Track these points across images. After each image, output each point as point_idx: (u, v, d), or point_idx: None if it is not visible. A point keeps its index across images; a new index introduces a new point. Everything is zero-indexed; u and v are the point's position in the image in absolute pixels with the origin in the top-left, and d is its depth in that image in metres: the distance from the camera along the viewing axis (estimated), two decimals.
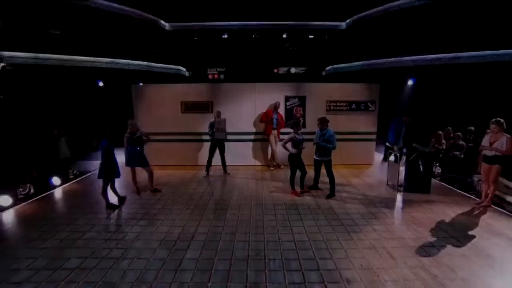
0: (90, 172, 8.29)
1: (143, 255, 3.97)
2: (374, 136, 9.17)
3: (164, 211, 5.49)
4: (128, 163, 6.34)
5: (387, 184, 7.09)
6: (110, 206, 5.66)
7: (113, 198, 5.86)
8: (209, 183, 7.34)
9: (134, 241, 4.33)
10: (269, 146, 8.90)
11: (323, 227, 4.78)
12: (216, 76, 15.37)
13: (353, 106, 8.98)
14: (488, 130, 6.22)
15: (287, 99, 9.05)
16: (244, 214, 5.34)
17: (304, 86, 9.11)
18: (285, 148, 6.20)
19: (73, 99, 10.72)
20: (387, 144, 6.78)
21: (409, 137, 6.79)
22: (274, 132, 8.62)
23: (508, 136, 5.29)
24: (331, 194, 6.26)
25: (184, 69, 15.63)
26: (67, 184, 7.24)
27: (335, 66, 14.93)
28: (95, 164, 8.44)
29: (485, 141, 5.64)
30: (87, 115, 10.63)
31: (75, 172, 8.02)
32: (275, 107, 8.62)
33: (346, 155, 9.15)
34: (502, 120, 5.41)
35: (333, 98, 8.99)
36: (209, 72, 15.47)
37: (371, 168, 8.84)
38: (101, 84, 10.99)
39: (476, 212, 5.44)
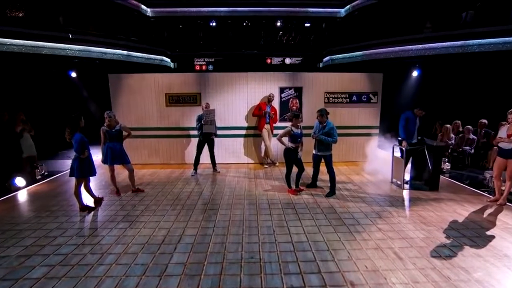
0: (61, 172, 8.06)
1: (122, 261, 3.83)
2: (376, 131, 9.18)
3: (147, 213, 5.36)
4: (106, 160, 6.17)
5: (391, 182, 7.10)
6: (84, 208, 5.47)
7: (88, 200, 5.70)
8: (197, 182, 7.23)
9: (112, 246, 4.19)
10: (262, 142, 8.80)
11: (323, 227, 4.73)
12: (204, 67, 15.18)
13: (354, 98, 8.97)
14: (503, 122, 6.24)
15: (282, 90, 8.99)
16: (237, 214, 5.27)
17: (301, 76, 9.07)
18: (281, 141, 6.12)
19: (41, 91, 10.41)
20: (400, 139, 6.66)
21: (422, 131, 6.76)
22: (267, 126, 8.54)
23: None
24: (331, 192, 6.21)
25: (169, 60, 15.40)
26: (33, 186, 7.00)
27: (333, 57, 14.89)
28: (67, 164, 8.23)
29: (502, 134, 5.61)
30: (57, 109, 10.33)
31: (43, 172, 7.77)
32: (269, 99, 8.55)
33: (346, 151, 9.16)
34: None
35: (332, 89, 8.97)
36: (196, 63, 15.27)
37: (374, 165, 8.80)
38: (73, 74, 10.72)
39: (490, 210, 5.44)
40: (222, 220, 5.01)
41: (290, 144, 6.11)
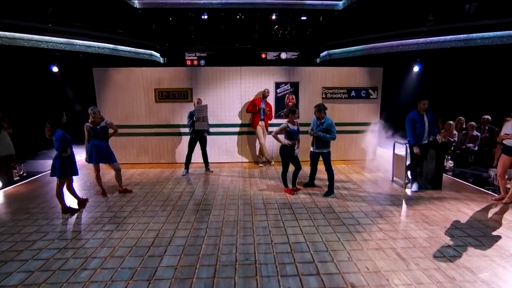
0: (41, 173, 7.93)
1: (108, 265, 3.77)
2: (376, 128, 9.18)
3: (136, 214, 5.30)
4: (90, 159, 6.07)
5: (392, 180, 7.12)
6: (67, 210, 5.37)
7: (71, 201, 5.62)
8: (188, 182, 7.17)
9: (98, 249, 4.13)
10: (257, 139, 8.77)
11: (322, 227, 4.72)
12: (195, 62, 15.11)
13: (353, 93, 8.98)
14: (508, 118, 6.26)
15: (277, 85, 8.97)
16: (231, 215, 5.24)
17: (297, 70, 9.05)
18: (276, 138, 6.10)
19: (19, 86, 10.22)
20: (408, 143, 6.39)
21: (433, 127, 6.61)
22: (262, 123, 8.50)
23: None
24: (330, 191, 6.20)
25: (158, 55, 15.30)
26: (10, 187, 6.86)
27: (331, 51, 14.90)
28: (48, 164, 8.08)
29: (507, 130, 5.61)
30: (37, 106, 10.14)
31: (21, 172, 7.61)
32: (264, 95, 8.50)
33: (344, 149, 9.17)
34: None
35: (330, 84, 8.97)
36: (187, 58, 15.20)
37: (374, 164, 8.83)
38: (55, 69, 10.56)
39: (495, 209, 5.47)
40: (215, 221, 4.97)
41: (286, 141, 6.08)
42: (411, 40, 9.95)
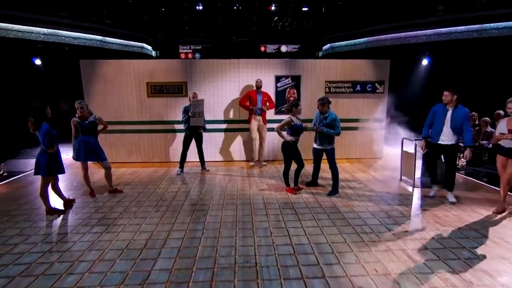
0: (23, 172, 7.84)
1: (97, 269, 3.70)
2: (383, 124, 9.16)
3: (127, 215, 5.24)
4: (78, 156, 5.98)
5: (400, 179, 7.11)
6: (52, 211, 5.29)
7: (56, 202, 5.54)
8: (183, 182, 7.13)
9: (85, 253, 4.06)
10: (252, 138, 8.39)
11: (326, 228, 4.68)
12: (190, 55, 15.09)
13: (358, 87, 8.96)
14: (500, 112, 6.11)
15: (278, 79, 8.93)
16: (229, 215, 5.20)
17: (299, 63, 9.01)
18: (279, 133, 6.05)
19: None
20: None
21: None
22: (259, 118, 8.28)
23: None
24: (334, 191, 6.16)
25: (150, 48, 15.26)
26: None
27: (334, 44, 14.91)
28: (30, 164, 8.03)
29: (502, 128, 5.15)
30: (19, 101, 10.03)
31: (1, 172, 7.53)
32: (257, 86, 8.24)
33: (349, 146, 9.14)
34: None
35: (334, 77, 8.94)
36: (181, 51, 15.17)
37: (380, 162, 8.81)
38: (38, 62, 10.45)
39: None
40: (213, 222, 4.93)
41: (289, 137, 6.03)
42: (420, 32, 9.95)
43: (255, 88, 8.32)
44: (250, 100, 8.27)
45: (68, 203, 5.64)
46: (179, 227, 4.77)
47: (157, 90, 8.68)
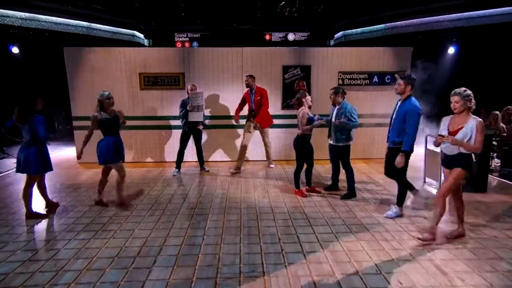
0: (1, 172, 7.81)
1: (84, 279, 3.68)
2: None
3: (118, 220, 5.25)
4: (109, 157, 5.69)
5: (424, 182, 7.07)
6: (32, 216, 5.27)
7: (38, 206, 5.53)
8: (181, 183, 7.16)
9: (71, 261, 4.04)
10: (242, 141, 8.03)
11: (342, 235, 4.66)
12: (187, 44, 15.10)
13: (375, 79, 8.94)
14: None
15: (285, 70, 8.93)
16: (232, 220, 5.21)
17: (309, 52, 9.02)
18: (308, 130, 6.01)
19: None
20: None
21: None
22: (248, 124, 7.93)
23: (478, 119, 4.19)
24: (350, 194, 6.13)
25: (142, 36, 15.28)
26: None
27: (348, 32, 14.87)
28: (5, 164, 8.08)
29: (444, 129, 4.45)
30: None
31: None
32: (248, 84, 7.80)
33: (365, 145, 9.10)
34: (468, 91, 4.20)
35: (348, 68, 8.92)
36: (177, 39, 15.17)
37: None
38: (15, 50, 10.44)
39: None
40: (214, 227, 4.93)
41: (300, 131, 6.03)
42: (446, 16, 9.87)
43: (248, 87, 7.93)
44: (244, 103, 8.02)
45: (52, 207, 5.64)
46: (177, 232, 4.76)
47: (151, 81, 8.68)
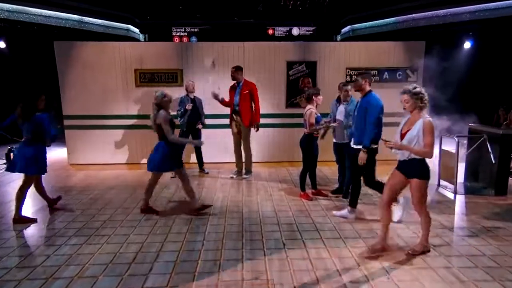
0: None
1: (76, 287, 3.68)
2: None
3: (112, 224, 5.26)
4: (175, 163, 5.59)
5: (438, 184, 7.05)
6: (20, 220, 5.28)
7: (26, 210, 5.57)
8: (178, 186, 7.06)
9: (62, 268, 4.04)
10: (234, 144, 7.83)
11: (351, 240, 4.66)
12: (185, 39, 15.14)
13: (386, 75, 8.93)
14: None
15: (289, 66, 8.92)
16: (233, 224, 5.22)
17: (315, 47, 9.02)
18: (318, 129, 6.03)
19: None
20: None
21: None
22: (237, 118, 7.54)
23: (427, 119, 3.93)
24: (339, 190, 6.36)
25: (137, 30, 15.33)
26: None
27: (356, 26, 14.91)
28: None
29: (398, 131, 4.25)
30: None
31: None
32: (234, 77, 7.41)
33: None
34: (418, 88, 3.99)
35: (356, 64, 8.92)
36: (174, 34, 15.23)
37: None
38: (1, 45, 10.45)
39: None
40: (214, 232, 4.93)
41: (317, 126, 6.03)
42: (461, 8, 9.85)
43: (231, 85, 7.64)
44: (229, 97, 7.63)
45: (55, 201, 5.90)
46: (175, 237, 4.76)
47: (147, 78, 8.69)
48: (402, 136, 4.07)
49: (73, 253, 4.38)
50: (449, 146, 6.96)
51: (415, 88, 3.96)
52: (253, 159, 7.97)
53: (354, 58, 8.90)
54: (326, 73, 8.91)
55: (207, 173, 8.02)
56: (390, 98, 8.81)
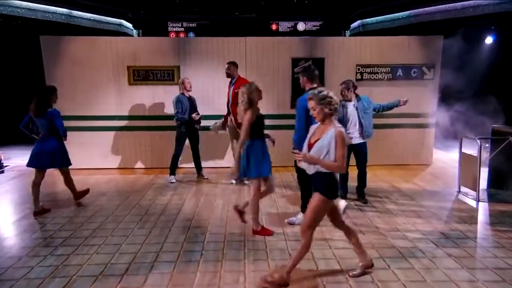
0: None
1: None
2: (432, 121, 9.10)
3: (102, 233, 5.26)
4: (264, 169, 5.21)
5: (459, 191, 7.00)
6: (40, 212, 5.93)
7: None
8: (175, 192, 7.19)
9: (47, 281, 4.01)
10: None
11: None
12: (182, 35, 15.17)
13: (399, 72, 8.91)
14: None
15: (295, 63, 8.92)
16: (234, 233, 5.22)
17: (322, 42, 9.02)
18: None
19: None
20: None
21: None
22: (230, 119, 7.58)
23: (338, 129, 3.61)
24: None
25: (130, 26, 15.36)
26: None
27: (366, 20, 14.89)
28: None
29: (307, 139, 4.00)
30: None
31: None
32: (229, 73, 7.44)
33: (388, 150, 9.03)
34: (324, 92, 3.70)
35: (367, 60, 8.91)
36: (170, 29, 15.27)
37: (429, 169, 8.72)
38: None
39: None
40: (214, 241, 4.93)
41: None
42: (482, 1, 9.79)
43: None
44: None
45: (85, 192, 6.50)
46: (171, 247, 4.75)
47: (142, 76, 8.69)
48: (310, 146, 3.76)
49: (59, 264, 4.37)
50: (471, 149, 6.93)
51: (320, 92, 3.67)
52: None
53: (365, 54, 8.88)
54: (334, 71, 8.87)
55: (207, 178, 8.04)
56: (404, 96, 8.81)
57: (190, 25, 15.40)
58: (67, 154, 6.09)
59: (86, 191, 6.51)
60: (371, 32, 14.29)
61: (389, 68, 8.88)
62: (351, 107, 6.25)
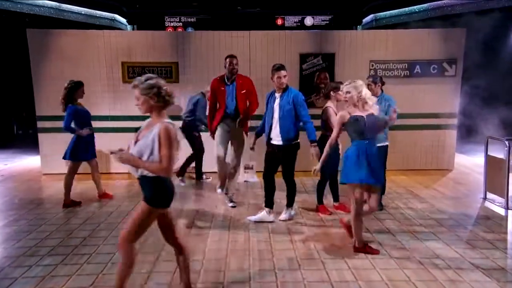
0: None
1: None
2: (454, 122, 9.07)
3: (93, 241, 5.27)
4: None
5: (484, 198, 6.98)
6: (69, 204, 6.57)
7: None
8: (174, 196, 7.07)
9: None
10: (216, 155, 6.95)
11: (379, 261, 4.61)
12: (180, 30, 15.25)
13: (417, 69, 8.90)
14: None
15: (303, 59, 8.94)
16: (238, 241, 5.23)
17: (333, 36, 9.04)
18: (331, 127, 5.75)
19: None
20: None
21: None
22: (230, 123, 6.72)
23: (164, 124, 3.34)
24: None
25: (125, 20, 15.44)
26: None
27: (380, 14, 14.94)
28: None
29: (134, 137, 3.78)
30: None
31: None
32: (229, 69, 6.75)
33: (405, 153, 9.01)
34: (152, 80, 3.33)
35: (382, 56, 8.91)
36: (168, 24, 15.35)
37: (451, 174, 8.70)
38: None
39: None
40: (215, 249, 4.96)
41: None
42: None
43: (221, 75, 6.95)
44: (215, 98, 6.83)
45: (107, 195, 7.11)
46: (168, 256, 4.65)
47: (137, 73, 8.67)
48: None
49: (46, 275, 4.36)
50: (498, 151, 6.91)
51: (147, 79, 3.32)
52: (261, 168, 7.90)
53: (379, 49, 8.87)
54: (346, 67, 8.90)
55: (209, 178, 8.27)
56: (422, 96, 8.84)
57: (189, 19, 15.52)
58: (74, 149, 6.51)
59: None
60: (385, 26, 14.34)
61: (406, 64, 8.87)
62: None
